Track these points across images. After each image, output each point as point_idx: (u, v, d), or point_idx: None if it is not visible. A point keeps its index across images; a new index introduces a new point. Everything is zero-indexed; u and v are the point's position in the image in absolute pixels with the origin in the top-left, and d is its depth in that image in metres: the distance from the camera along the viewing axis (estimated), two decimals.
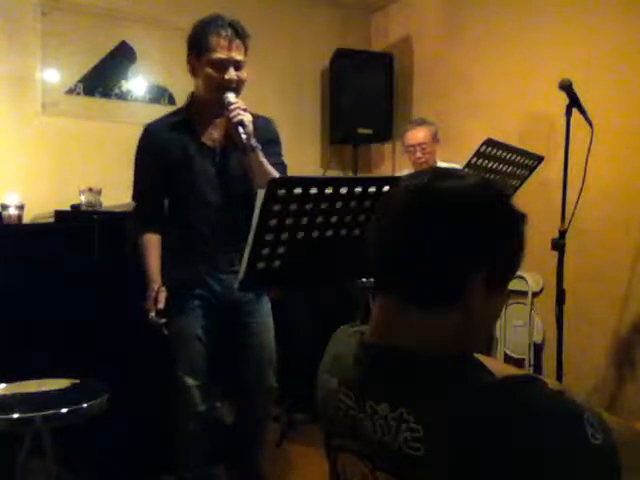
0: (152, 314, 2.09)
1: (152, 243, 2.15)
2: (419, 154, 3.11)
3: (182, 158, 2.08)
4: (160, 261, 2.15)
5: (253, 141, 1.98)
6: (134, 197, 2.24)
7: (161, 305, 2.08)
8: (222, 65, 2.00)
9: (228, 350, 2.22)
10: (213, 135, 2.13)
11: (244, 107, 1.99)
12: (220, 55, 1.99)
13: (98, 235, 2.58)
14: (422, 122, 3.18)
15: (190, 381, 2.13)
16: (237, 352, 2.22)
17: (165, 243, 2.17)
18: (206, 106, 2.10)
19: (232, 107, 1.97)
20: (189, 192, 2.10)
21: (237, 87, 2.04)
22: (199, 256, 2.12)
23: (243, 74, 2.05)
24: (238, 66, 2.02)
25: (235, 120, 1.96)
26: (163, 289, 2.10)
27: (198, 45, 2.02)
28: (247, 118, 1.97)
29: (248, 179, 2.03)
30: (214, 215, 2.09)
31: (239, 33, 2.02)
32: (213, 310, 2.14)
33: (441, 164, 3.15)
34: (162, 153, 2.10)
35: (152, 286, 2.12)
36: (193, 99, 2.15)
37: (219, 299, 2.13)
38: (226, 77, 2.00)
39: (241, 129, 1.95)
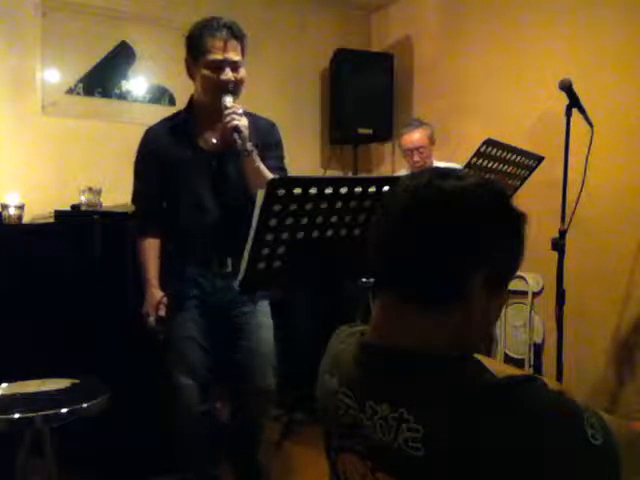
0: (151, 319, 2.09)
1: (150, 247, 2.14)
2: (417, 157, 3.09)
3: (178, 162, 2.06)
4: (159, 264, 2.14)
5: (248, 145, 1.94)
6: (133, 200, 2.23)
7: (162, 313, 2.08)
8: (218, 66, 1.96)
9: (226, 351, 2.22)
10: (211, 139, 2.10)
11: (240, 112, 1.95)
12: (216, 56, 1.95)
13: (98, 235, 2.58)
14: (418, 124, 3.16)
15: (185, 380, 2.10)
16: (234, 353, 2.20)
17: (163, 246, 2.16)
18: (205, 110, 2.07)
19: (227, 112, 1.94)
20: (184, 196, 2.09)
21: (235, 88, 2.00)
22: (192, 258, 2.11)
23: (240, 74, 2.01)
24: (235, 67, 1.99)
25: (230, 125, 1.93)
26: (164, 297, 2.09)
27: (194, 48, 1.99)
28: (242, 123, 1.93)
29: (245, 184, 2.01)
30: (209, 219, 2.08)
31: (234, 33, 1.97)
32: (208, 311, 2.13)
33: (439, 164, 3.13)
34: (160, 156, 2.09)
35: (150, 290, 2.11)
36: (192, 103, 2.13)
37: (212, 300, 2.12)
38: (222, 77, 1.96)
39: (236, 135, 1.92)
